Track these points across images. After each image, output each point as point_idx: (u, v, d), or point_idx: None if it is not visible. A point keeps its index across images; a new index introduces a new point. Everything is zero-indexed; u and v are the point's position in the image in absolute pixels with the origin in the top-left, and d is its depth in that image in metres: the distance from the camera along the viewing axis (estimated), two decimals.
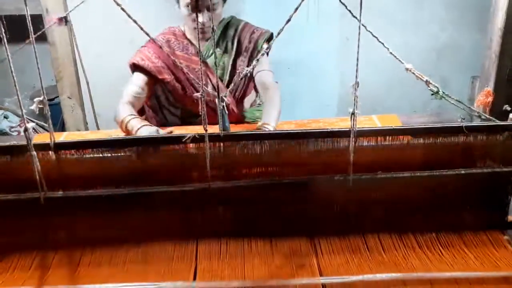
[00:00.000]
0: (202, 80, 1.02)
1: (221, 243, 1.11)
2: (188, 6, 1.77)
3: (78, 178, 1.07)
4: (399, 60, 1.03)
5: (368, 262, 1.05)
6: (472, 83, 2.98)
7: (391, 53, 1.02)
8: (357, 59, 0.95)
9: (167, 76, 1.85)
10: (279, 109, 1.71)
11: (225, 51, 1.92)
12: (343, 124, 1.80)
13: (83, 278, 1.04)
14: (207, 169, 1.04)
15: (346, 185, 1.07)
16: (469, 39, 3.04)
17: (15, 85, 0.96)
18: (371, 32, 0.98)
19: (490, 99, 1.20)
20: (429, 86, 1.07)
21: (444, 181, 1.11)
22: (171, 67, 1.85)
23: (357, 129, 1.03)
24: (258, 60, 1.13)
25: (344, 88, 3.07)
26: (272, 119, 1.62)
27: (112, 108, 1.74)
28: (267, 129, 1.55)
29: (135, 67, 1.85)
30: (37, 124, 2.83)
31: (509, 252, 1.08)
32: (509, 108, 1.25)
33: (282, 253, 1.08)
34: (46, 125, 2.93)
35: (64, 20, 1.07)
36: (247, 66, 1.87)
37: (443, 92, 1.08)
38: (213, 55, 1.90)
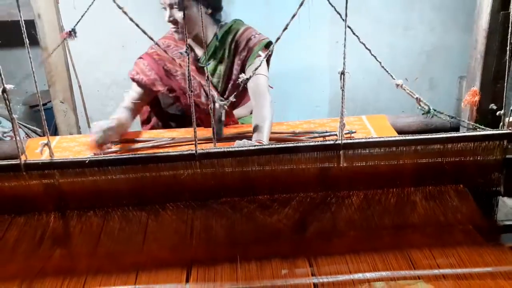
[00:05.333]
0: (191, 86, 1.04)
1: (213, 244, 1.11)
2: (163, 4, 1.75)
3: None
4: (391, 76, 1.06)
5: (360, 257, 1.06)
6: (459, 83, 3.01)
7: (382, 67, 1.06)
8: (344, 64, 0.97)
9: (161, 88, 1.89)
10: (271, 120, 1.64)
11: (222, 58, 1.89)
12: (334, 124, 1.83)
13: None
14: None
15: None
16: (457, 40, 3.08)
17: (4, 91, 0.97)
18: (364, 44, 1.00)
19: (476, 98, 1.23)
20: (419, 105, 1.11)
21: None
22: (163, 78, 1.88)
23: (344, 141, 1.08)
24: (255, 71, 1.16)
25: (334, 90, 3.09)
26: (264, 135, 1.57)
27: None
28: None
29: (132, 79, 1.91)
30: (29, 128, 2.83)
31: (496, 246, 1.09)
32: (495, 107, 1.28)
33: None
34: (38, 129, 2.93)
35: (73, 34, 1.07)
36: (240, 74, 1.81)
37: (434, 110, 1.12)
38: (210, 62, 1.89)
